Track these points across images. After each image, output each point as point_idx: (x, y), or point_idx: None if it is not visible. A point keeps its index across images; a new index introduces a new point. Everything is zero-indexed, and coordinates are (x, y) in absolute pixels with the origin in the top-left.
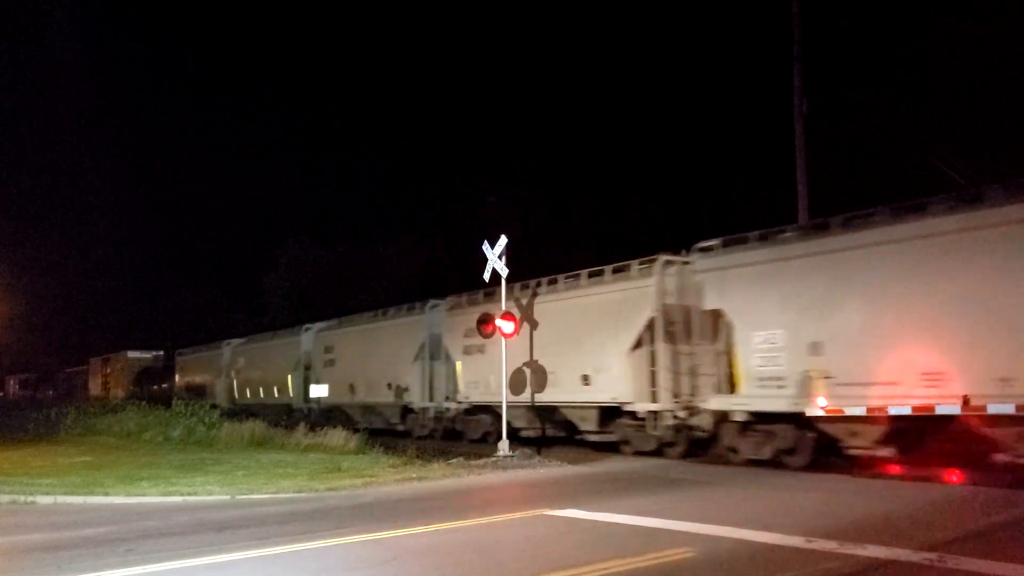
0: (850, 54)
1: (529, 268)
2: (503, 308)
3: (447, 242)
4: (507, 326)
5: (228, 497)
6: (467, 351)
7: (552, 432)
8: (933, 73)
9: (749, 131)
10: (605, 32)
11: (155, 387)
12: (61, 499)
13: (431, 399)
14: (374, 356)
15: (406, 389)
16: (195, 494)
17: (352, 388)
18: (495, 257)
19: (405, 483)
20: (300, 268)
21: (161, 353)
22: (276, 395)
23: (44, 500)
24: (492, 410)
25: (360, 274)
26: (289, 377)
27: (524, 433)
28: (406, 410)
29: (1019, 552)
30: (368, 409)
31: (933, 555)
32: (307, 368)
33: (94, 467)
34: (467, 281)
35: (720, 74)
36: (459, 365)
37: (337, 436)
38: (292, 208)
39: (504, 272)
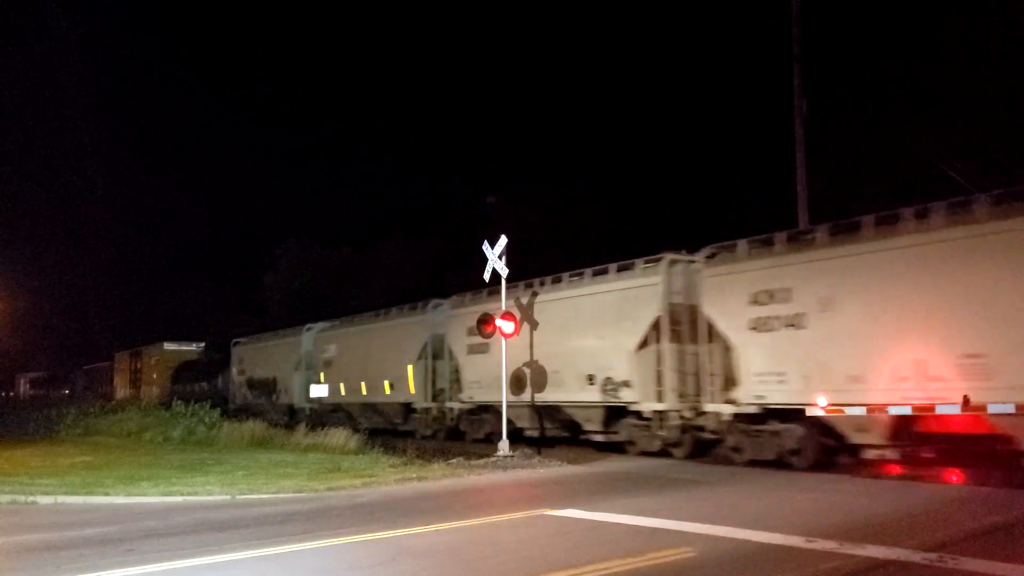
0: (850, 54)
1: (531, 267)
2: (503, 307)
3: (447, 242)
4: (507, 326)
5: (228, 497)
6: (758, 326)
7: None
8: (934, 73)
9: (749, 131)
10: (605, 32)
11: (203, 383)
12: (61, 499)
13: (679, 398)
14: (557, 339)
15: (623, 384)
16: (195, 494)
17: (519, 381)
18: (495, 257)
19: (405, 483)
20: (300, 268)
21: (203, 345)
22: (388, 392)
23: (44, 500)
24: (809, 419)
25: (360, 274)
26: (410, 369)
27: (871, 453)
28: (614, 412)
29: (1019, 552)
30: (545, 411)
31: (933, 555)
32: (436, 357)
33: (94, 467)
34: (468, 281)
35: (720, 74)
36: (741, 348)
37: (337, 436)
38: (292, 208)
39: (504, 272)
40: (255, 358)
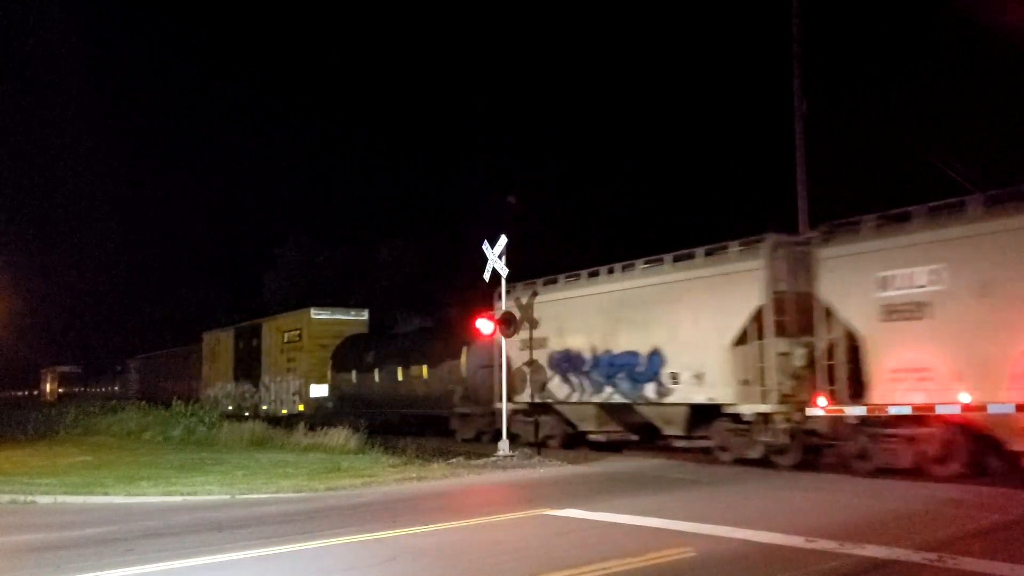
0: (850, 54)
1: (531, 267)
2: (503, 307)
3: (447, 242)
4: (487, 327)
5: (228, 497)
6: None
7: None
8: (935, 73)
9: (749, 131)
10: (606, 32)
11: (417, 367)
12: (61, 499)
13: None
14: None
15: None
16: (195, 494)
17: None
18: (495, 257)
19: (405, 483)
20: (300, 268)
21: (365, 311)
22: None
23: (44, 500)
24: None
25: (360, 274)
26: None
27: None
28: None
29: (1019, 552)
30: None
31: (933, 555)
32: None
33: (94, 467)
34: (469, 281)
35: (721, 74)
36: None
37: (337, 436)
38: (292, 208)
39: (504, 272)
40: (580, 313)
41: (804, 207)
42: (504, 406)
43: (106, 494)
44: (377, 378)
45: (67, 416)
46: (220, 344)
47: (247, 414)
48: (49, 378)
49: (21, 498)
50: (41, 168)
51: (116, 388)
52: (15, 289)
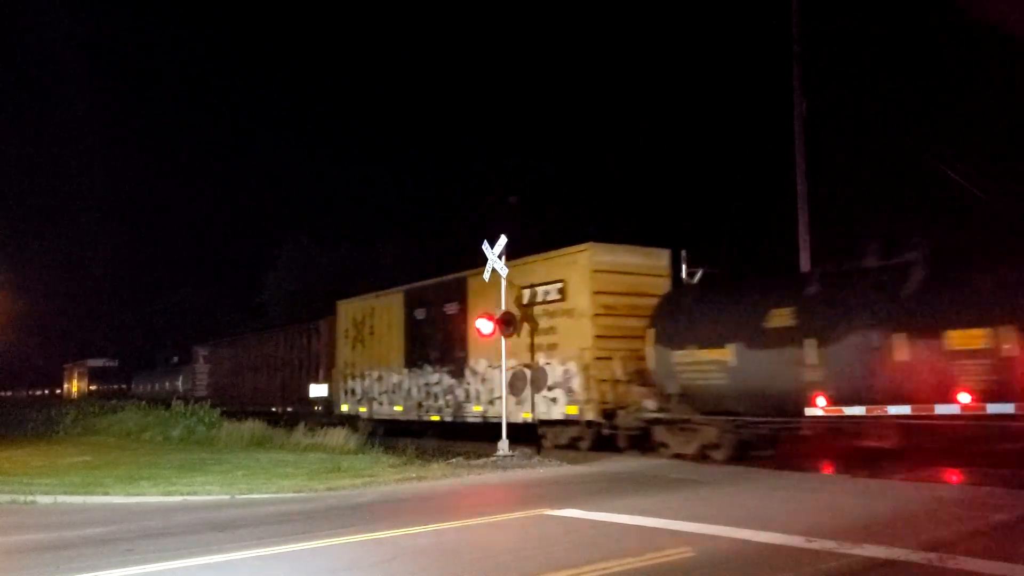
0: (851, 54)
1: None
2: (503, 307)
3: (447, 242)
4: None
5: (228, 497)
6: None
7: None
8: (935, 74)
9: (750, 132)
10: (604, 30)
11: (949, 330)
12: (61, 499)
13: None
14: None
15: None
16: (195, 494)
17: None
18: (495, 257)
19: (405, 483)
20: (300, 268)
21: (665, 257)
22: None
23: (44, 500)
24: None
25: (360, 274)
26: None
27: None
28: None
29: (1019, 552)
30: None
31: (933, 555)
32: None
33: (94, 467)
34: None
35: (720, 75)
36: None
37: (337, 436)
38: (292, 208)
39: (504, 272)
40: None
41: (804, 206)
42: (504, 406)
43: (106, 494)
44: (815, 358)
45: (66, 416)
46: (374, 315)
47: (441, 418)
48: (76, 375)
49: (21, 498)
50: (36, 169)
51: (179, 384)
52: (16, 288)
